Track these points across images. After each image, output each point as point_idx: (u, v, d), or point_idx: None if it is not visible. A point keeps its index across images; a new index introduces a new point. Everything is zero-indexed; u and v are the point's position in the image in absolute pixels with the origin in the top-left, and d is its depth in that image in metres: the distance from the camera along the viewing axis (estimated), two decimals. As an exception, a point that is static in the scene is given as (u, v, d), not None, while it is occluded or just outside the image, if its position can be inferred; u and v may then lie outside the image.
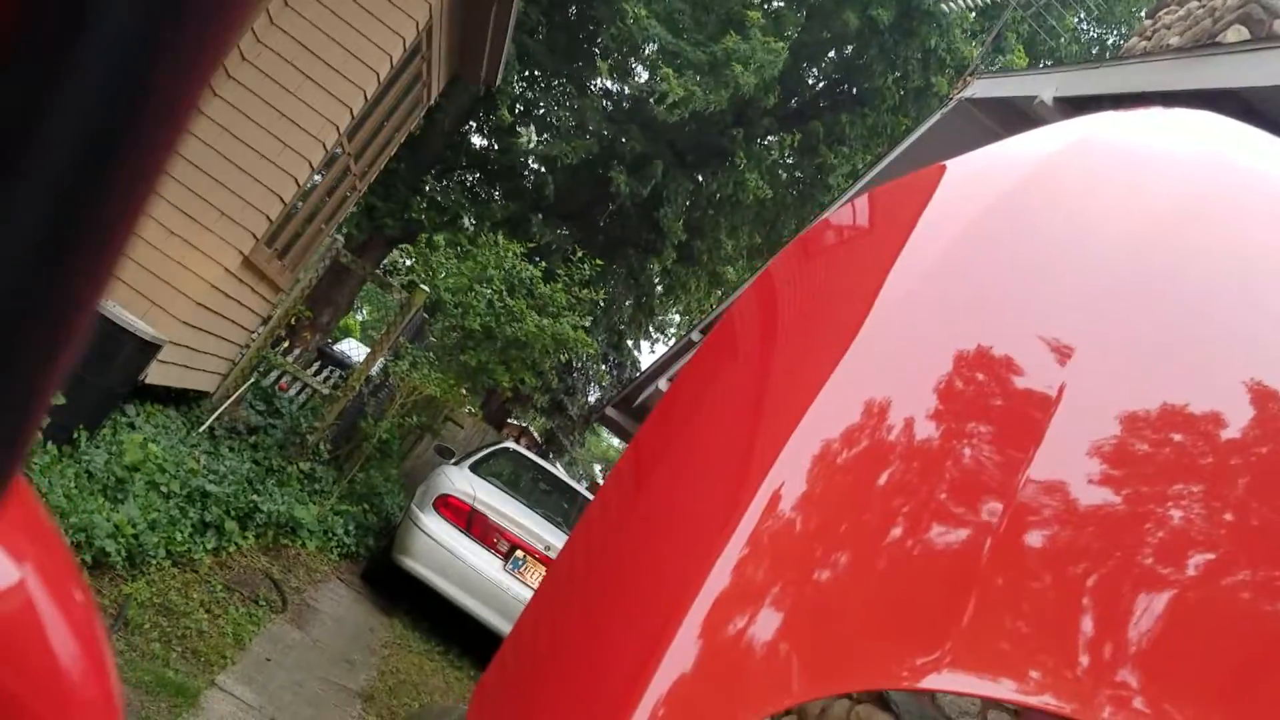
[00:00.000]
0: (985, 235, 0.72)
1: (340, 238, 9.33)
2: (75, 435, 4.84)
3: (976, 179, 0.80)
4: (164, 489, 5.24)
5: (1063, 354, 0.64)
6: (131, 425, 5.80)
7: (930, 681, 0.54)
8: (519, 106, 18.50)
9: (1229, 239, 0.74)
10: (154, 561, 4.66)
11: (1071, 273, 0.71)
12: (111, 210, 0.19)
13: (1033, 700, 0.54)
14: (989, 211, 0.74)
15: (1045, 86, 5.64)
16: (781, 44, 16.79)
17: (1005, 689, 0.55)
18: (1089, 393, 0.63)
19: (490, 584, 6.93)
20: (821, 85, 20.02)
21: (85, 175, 0.19)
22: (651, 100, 17.51)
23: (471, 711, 0.60)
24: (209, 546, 5.39)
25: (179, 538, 5.00)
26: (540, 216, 17.43)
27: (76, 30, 0.18)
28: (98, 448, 5.01)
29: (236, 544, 5.83)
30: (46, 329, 0.19)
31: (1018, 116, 6.10)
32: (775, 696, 0.53)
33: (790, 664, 0.54)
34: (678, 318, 25.11)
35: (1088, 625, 0.56)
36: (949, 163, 0.81)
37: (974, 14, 18.41)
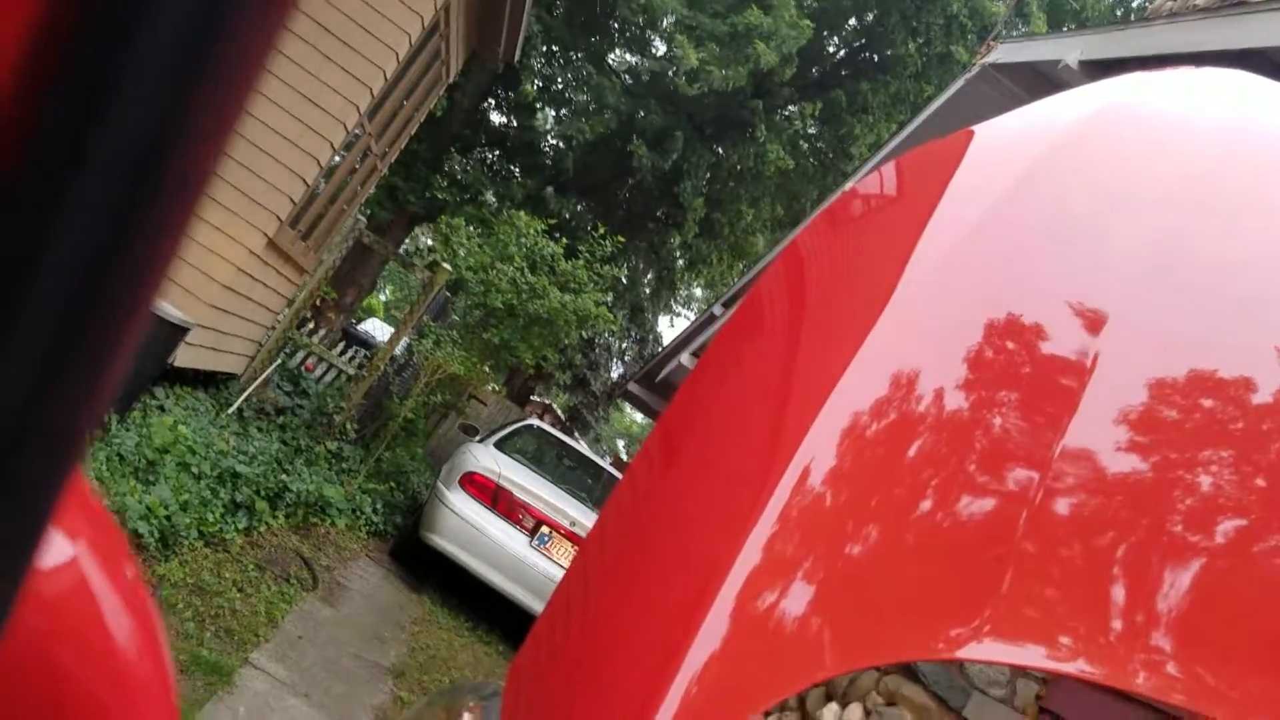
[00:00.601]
0: (1015, 202, 0.71)
1: (363, 219, 9.35)
2: (105, 419, 4.90)
3: (1005, 144, 0.78)
4: (195, 470, 5.30)
5: (1096, 322, 0.64)
6: (161, 408, 5.86)
7: (967, 651, 0.53)
8: (538, 82, 18.44)
9: (1263, 201, 0.73)
10: (186, 542, 4.72)
11: (1103, 239, 0.70)
12: (159, 232, 0.19)
13: (1067, 667, 0.53)
14: (1018, 178, 0.73)
15: (1070, 50, 5.55)
16: (807, 21, 16.60)
17: (1039, 657, 0.54)
18: (1123, 360, 0.62)
19: (517, 560, 6.97)
20: (842, 54, 19.84)
21: (140, 184, 0.18)
22: (670, 74, 17.41)
23: (507, 692, 0.60)
24: (240, 526, 5.45)
25: (210, 518, 5.06)
26: (553, 190, 17.38)
27: (127, 41, 0.18)
28: (128, 430, 5.06)
29: (267, 523, 5.90)
30: (109, 327, 0.19)
31: (1042, 81, 6.02)
32: (809, 670, 0.53)
33: (824, 638, 0.54)
34: (700, 291, 25.06)
35: (1122, 592, 0.56)
36: (976, 128, 0.80)
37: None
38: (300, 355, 9.59)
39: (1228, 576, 0.58)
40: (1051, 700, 3.67)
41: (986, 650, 0.54)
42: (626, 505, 0.69)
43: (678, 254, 21.02)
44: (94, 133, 0.18)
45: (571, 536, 7.18)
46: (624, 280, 16.89)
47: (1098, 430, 0.60)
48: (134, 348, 0.20)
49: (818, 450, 0.59)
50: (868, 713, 4.05)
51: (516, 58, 9.34)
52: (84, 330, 0.19)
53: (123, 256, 0.19)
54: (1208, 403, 0.63)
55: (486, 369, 10.73)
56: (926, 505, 0.58)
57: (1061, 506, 0.57)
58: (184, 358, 5.98)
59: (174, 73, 0.18)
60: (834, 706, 4.25)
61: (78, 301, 0.18)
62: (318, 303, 9.19)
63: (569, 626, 0.63)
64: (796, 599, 0.54)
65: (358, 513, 7.67)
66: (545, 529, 7.15)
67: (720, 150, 18.55)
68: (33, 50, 0.17)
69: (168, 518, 4.55)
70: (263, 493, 6.03)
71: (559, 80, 19.35)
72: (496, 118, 19.27)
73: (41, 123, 0.18)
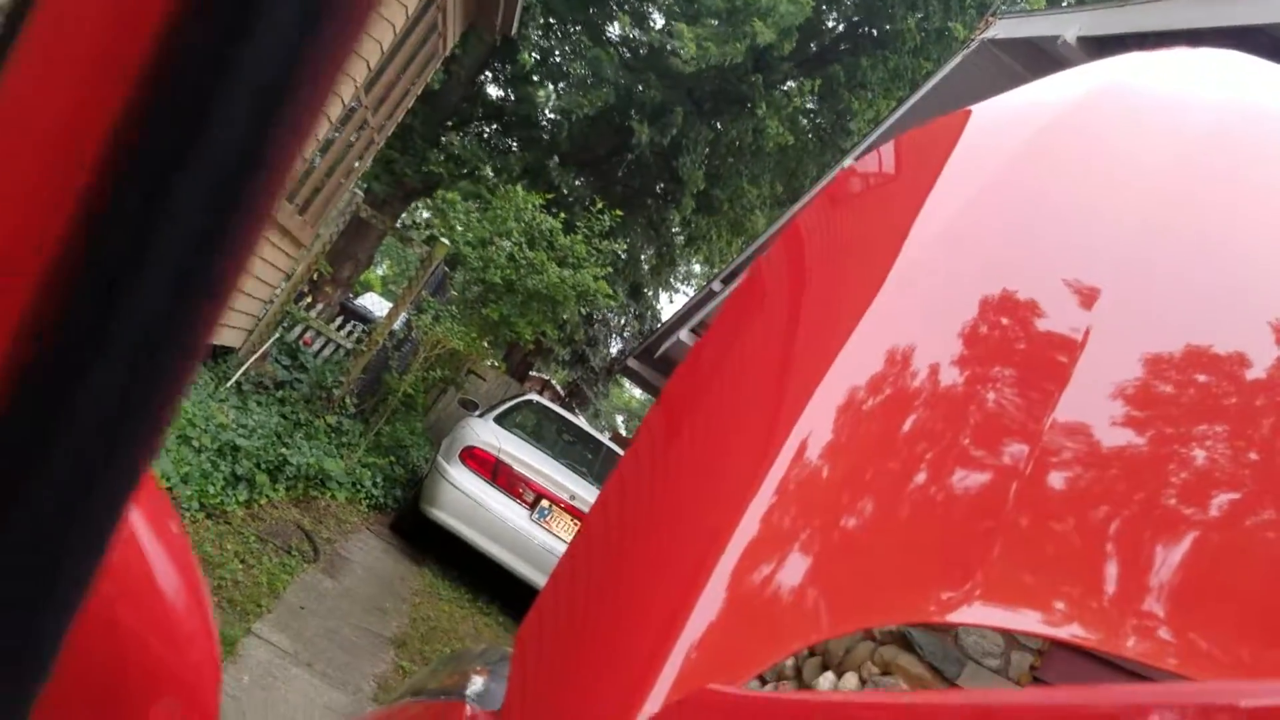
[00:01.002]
0: (1011, 182, 0.73)
1: (360, 192, 9.33)
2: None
3: (1002, 125, 0.80)
4: (195, 443, 5.32)
5: (1089, 297, 0.65)
6: (160, 382, 5.87)
7: (958, 615, 0.55)
8: (535, 55, 18.33)
9: (1257, 182, 0.74)
10: (188, 514, 4.75)
11: (1098, 218, 0.71)
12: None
13: (1059, 632, 0.55)
14: (1015, 158, 0.74)
15: (1069, 26, 5.54)
16: None
17: (1031, 621, 0.56)
18: (1115, 335, 0.64)
19: (517, 533, 7.02)
20: (841, 29, 19.71)
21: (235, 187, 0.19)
22: (668, 49, 17.30)
23: (514, 658, 0.62)
24: (241, 499, 5.48)
25: (212, 490, 5.09)
26: (556, 159, 17.31)
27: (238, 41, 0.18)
28: (129, 404, 5.07)
29: (268, 496, 5.92)
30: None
31: (1041, 57, 6.01)
32: (805, 632, 0.55)
33: (820, 603, 0.56)
34: (699, 267, 25.00)
35: (1115, 563, 0.58)
36: (974, 108, 0.81)
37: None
38: (298, 329, 9.60)
39: (1218, 545, 0.59)
40: (1046, 671, 3.71)
41: (977, 614, 0.55)
42: (629, 478, 0.71)
43: (677, 230, 20.95)
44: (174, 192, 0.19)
45: (571, 510, 7.22)
46: (623, 256, 16.86)
47: (1088, 404, 0.61)
48: (209, 337, 0.21)
49: (815, 425, 0.60)
50: (863, 681, 4.09)
51: (514, 30, 9.29)
52: (166, 338, 0.20)
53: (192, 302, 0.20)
54: (1200, 377, 0.64)
55: (485, 344, 10.74)
56: (920, 478, 0.60)
57: (1052, 478, 0.59)
58: (183, 332, 5.98)
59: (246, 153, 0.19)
60: (830, 675, 4.30)
61: (163, 317, 0.20)
62: (315, 277, 9.18)
63: (574, 596, 0.65)
64: (793, 567, 0.55)
65: (358, 486, 7.70)
66: (545, 503, 7.19)
67: (719, 126, 18.46)
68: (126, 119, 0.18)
69: (169, 490, 4.57)
70: (263, 466, 6.05)
71: (556, 54, 19.22)
72: (494, 91, 19.16)
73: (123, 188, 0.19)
